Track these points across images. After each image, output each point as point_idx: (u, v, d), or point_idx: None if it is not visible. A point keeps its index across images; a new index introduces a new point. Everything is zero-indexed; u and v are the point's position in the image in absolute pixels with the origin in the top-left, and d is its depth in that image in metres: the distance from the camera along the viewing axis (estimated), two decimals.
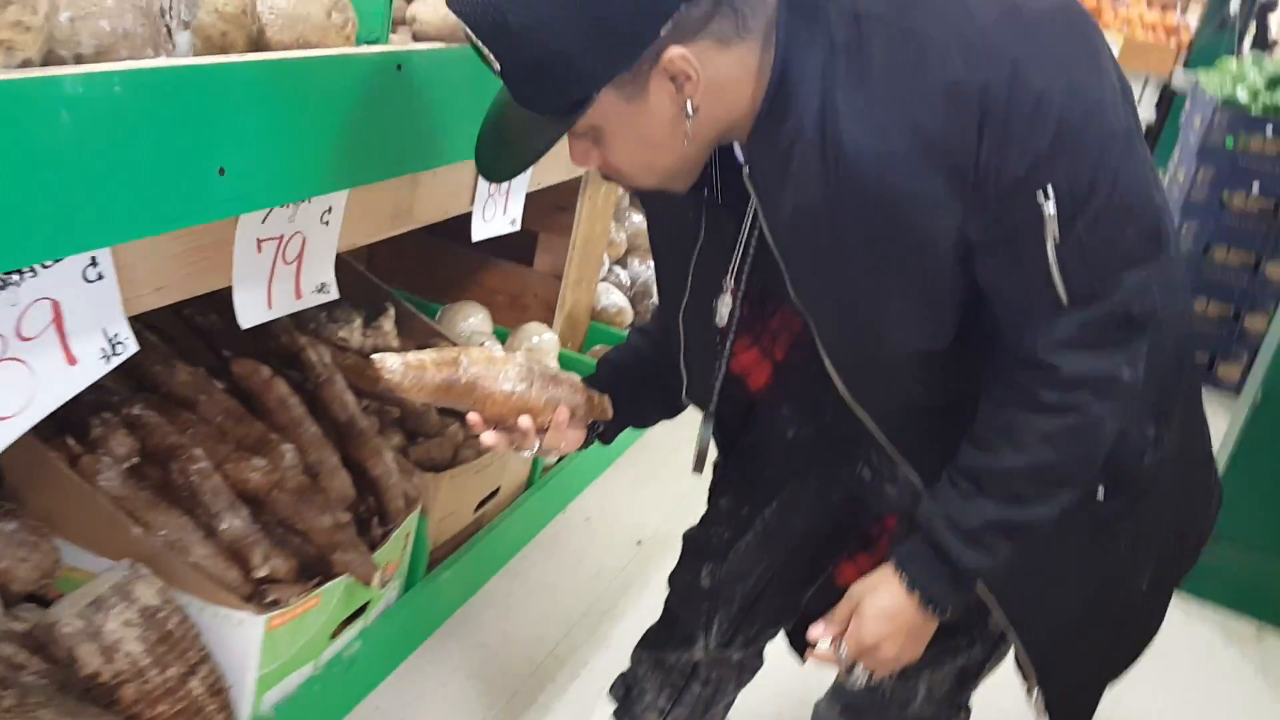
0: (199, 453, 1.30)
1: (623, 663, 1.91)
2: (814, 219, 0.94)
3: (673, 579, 1.42)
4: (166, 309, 1.49)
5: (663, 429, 2.64)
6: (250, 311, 1.17)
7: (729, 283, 1.12)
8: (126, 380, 1.38)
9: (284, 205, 1.13)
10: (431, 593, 1.62)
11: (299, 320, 1.66)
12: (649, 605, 2.09)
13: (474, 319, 2.07)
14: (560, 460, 2.04)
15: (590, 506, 2.31)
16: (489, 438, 1.07)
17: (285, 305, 1.22)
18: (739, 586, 1.34)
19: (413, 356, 1.00)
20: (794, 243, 0.99)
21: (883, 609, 1.04)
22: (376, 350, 1.75)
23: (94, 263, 0.94)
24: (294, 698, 1.34)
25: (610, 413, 1.19)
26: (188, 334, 1.52)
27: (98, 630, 1.12)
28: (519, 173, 0.95)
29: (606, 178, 1.01)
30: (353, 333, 1.76)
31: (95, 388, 1.35)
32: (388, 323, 1.82)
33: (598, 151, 0.96)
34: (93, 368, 0.98)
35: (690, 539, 1.38)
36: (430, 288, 2.18)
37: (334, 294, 1.28)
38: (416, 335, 1.85)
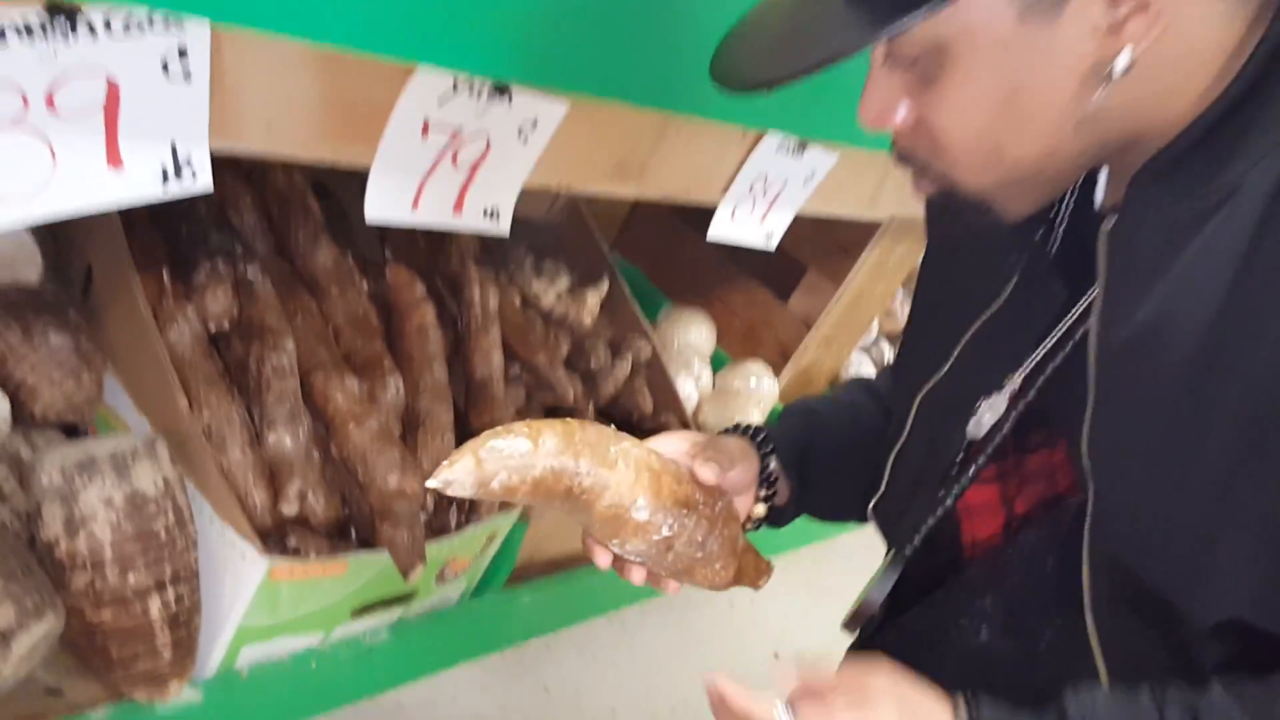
0: (289, 345, 1.08)
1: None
2: (1186, 345, 0.58)
3: None
4: (344, 175, 1.29)
5: (857, 538, 2.24)
6: (385, 204, 0.93)
7: (1013, 382, 0.76)
8: (265, 239, 1.19)
9: (472, 84, 0.87)
10: (500, 610, 1.34)
11: (493, 255, 1.43)
12: None
13: (696, 334, 1.78)
14: None
15: (738, 593, 1.97)
16: (602, 560, 0.83)
17: (437, 215, 0.97)
18: None
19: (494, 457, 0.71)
20: (1130, 366, 0.63)
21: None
22: (565, 318, 1.49)
23: (183, 53, 0.72)
24: (280, 666, 1.10)
25: (764, 582, 0.89)
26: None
27: (73, 496, 0.92)
28: (784, 79, 0.59)
29: (902, 159, 0.68)
30: (549, 292, 1.51)
31: (222, 231, 1.17)
32: (594, 297, 1.56)
33: (915, 103, 0.62)
34: (142, 183, 0.76)
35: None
36: (661, 281, 1.90)
37: (504, 227, 1.02)
38: (616, 324, 1.58)
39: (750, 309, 1.88)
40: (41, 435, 1.05)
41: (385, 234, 1.32)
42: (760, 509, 0.90)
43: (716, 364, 1.79)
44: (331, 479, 1.08)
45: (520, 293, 1.47)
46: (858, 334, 1.92)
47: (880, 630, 0.98)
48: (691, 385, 1.67)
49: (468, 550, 1.22)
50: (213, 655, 1.04)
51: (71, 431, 1.09)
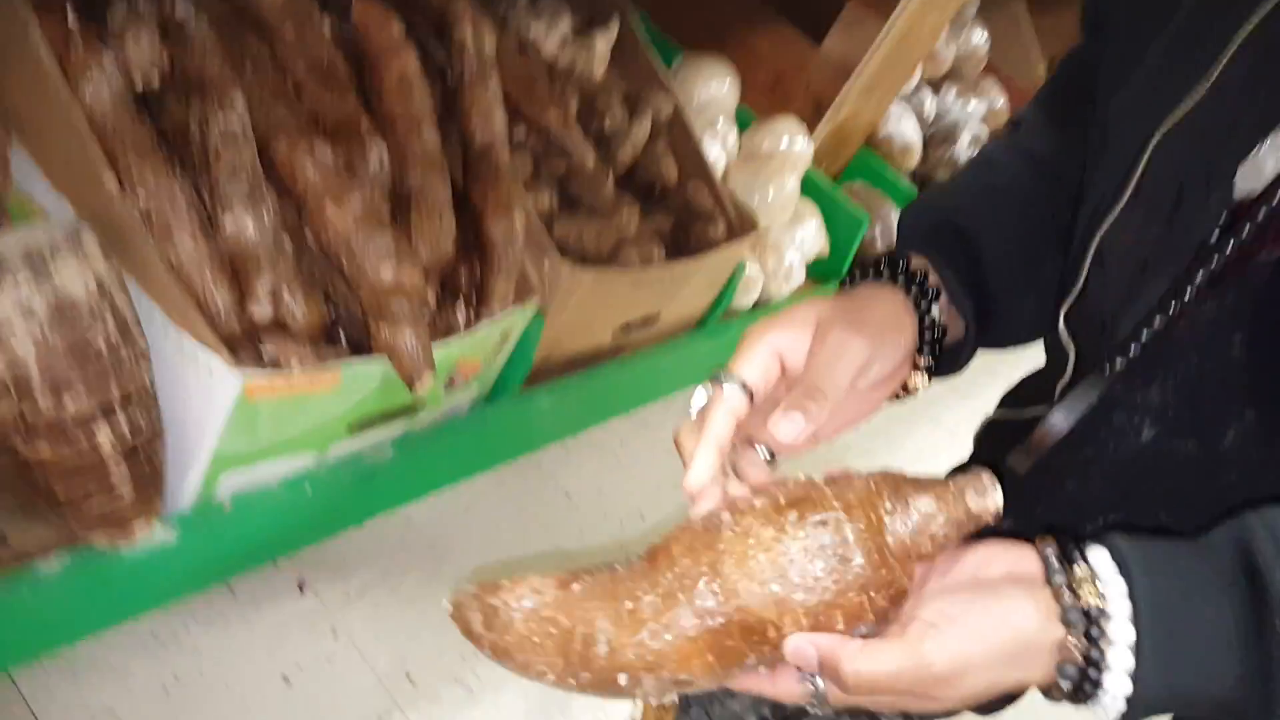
0: (239, 103, 0.84)
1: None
2: None
3: None
4: None
5: None
6: None
7: None
8: None
9: None
10: (518, 416, 1.17)
11: None
12: None
13: (716, 86, 1.52)
14: (755, 309, 1.52)
15: None
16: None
17: None
18: None
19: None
20: None
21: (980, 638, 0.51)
22: (571, 68, 1.24)
23: None
24: (270, 495, 0.93)
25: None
26: None
27: None
28: None
29: None
30: (551, 35, 1.25)
31: None
32: (602, 42, 1.30)
33: None
34: None
35: None
36: (672, 26, 1.62)
37: None
38: (630, 76, 1.33)
39: (778, 55, 1.62)
40: None
41: None
42: (919, 380, 0.68)
43: (743, 123, 1.55)
44: (310, 272, 0.87)
45: (517, 37, 1.22)
46: (902, 80, 1.67)
47: (995, 431, 0.81)
48: (718, 148, 1.44)
49: (479, 351, 1.03)
50: (186, 488, 0.87)
51: None
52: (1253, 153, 0.55)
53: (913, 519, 0.54)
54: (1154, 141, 0.62)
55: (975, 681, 0.52)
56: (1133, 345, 0.64)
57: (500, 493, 1.37)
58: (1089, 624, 0.52)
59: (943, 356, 0.70)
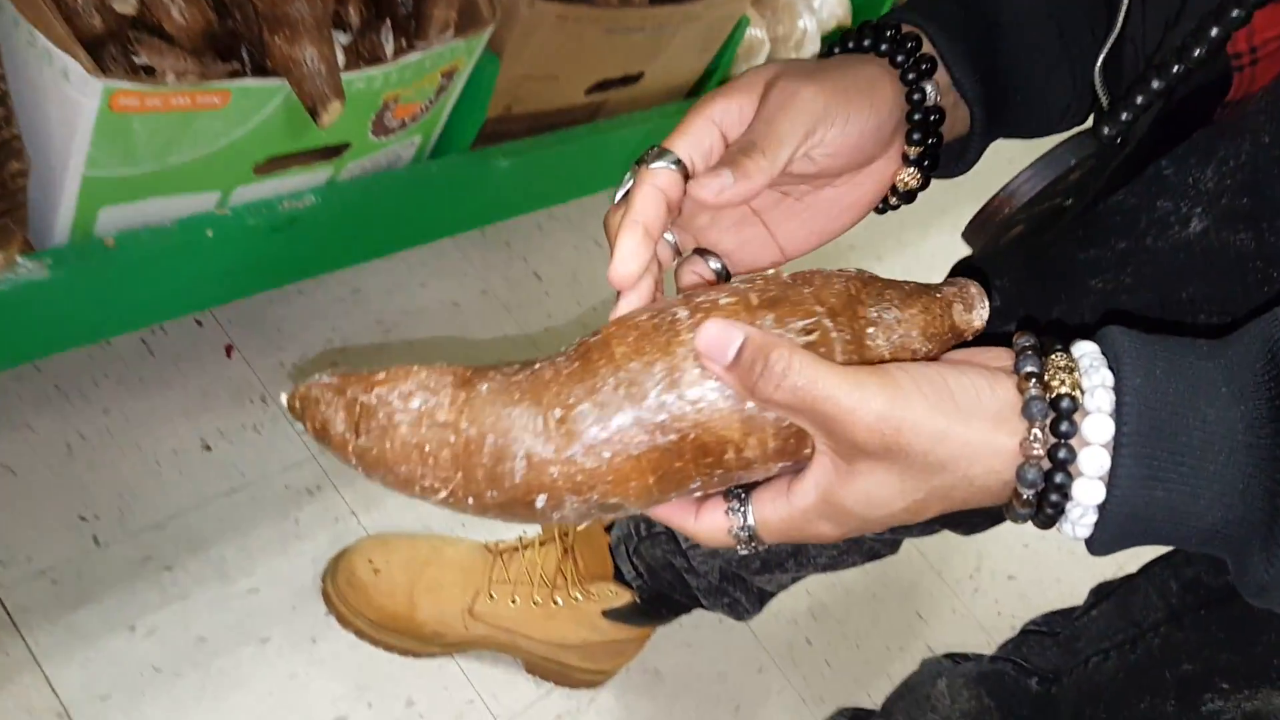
0: None
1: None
2: None
3: None
4: None
5: None
6: None
7: None
8: None
9: None
10: (471, 176, 1.04)
11: None
12: None
13: None
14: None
15: None
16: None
17: None
18: None
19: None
20: None
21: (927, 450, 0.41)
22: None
23: None
24: (162, 234, 0.82)
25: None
26: None
27: None
28: None
29: None
30: None
31: None
32: None
33: None
34: None
35: None
36: None
37: None
38: None
39: None
40: None
41: None
42: (909, 176, 0.54)
43: None
44: None
45: None
46: None
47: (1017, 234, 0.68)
48: None
49: (416, 90, 0.89)
50: (59, 219, 0.76)
51: None
52: None
53: (895, 331, 0.45)
54: None
55: (912, 482, 0.42)
56: (1153, 83, 0.51)
57: (463, 269, 1.27)
58: (1058, 418, 0.41)
59: (944, 150, 0.56)
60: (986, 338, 0.48)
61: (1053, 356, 0.42)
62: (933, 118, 0.54)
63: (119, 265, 0.80)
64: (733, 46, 1.21)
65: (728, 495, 0.47)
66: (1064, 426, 0.40)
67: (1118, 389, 0.40)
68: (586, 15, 0.98)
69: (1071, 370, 0.41)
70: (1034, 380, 0.41)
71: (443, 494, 0.44)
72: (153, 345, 1.01)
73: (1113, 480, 0.39)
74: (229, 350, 1.05)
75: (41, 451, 0.92)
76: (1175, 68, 0.54)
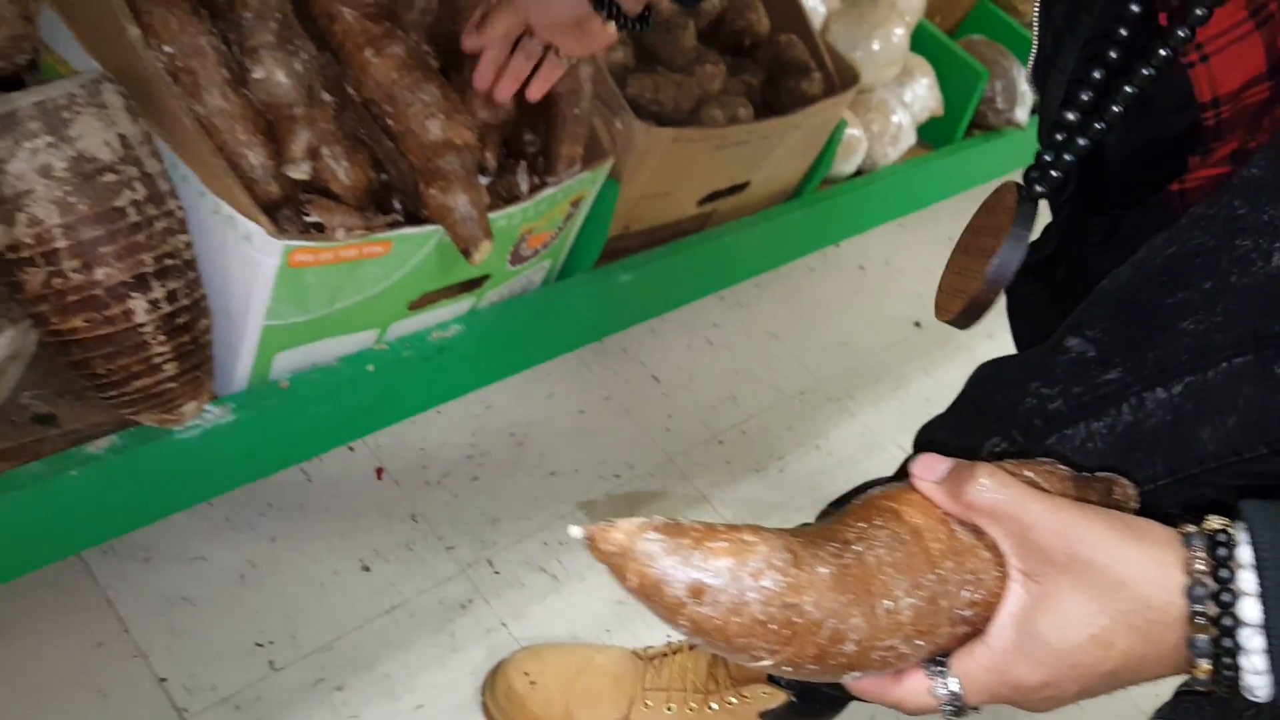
0: None
1: (826, 474, 1.37)
2: None
3: (923, 435, 0.80)
4: None
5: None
6: None
7: None
8: None
9: None
10: (596, 293, 1.09)
11: None
12: (895, 416, 1.52)
13: None
14: (857, 177, 1.39)
15: (869, 252, 1.68)
16: None
17: None
18: None
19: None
20: None
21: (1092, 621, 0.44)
22: None
23: None
24: (330, 372, 0.88)
25: None
26: None
27: None
28: None
29: None
30: None
31: None
32: None
33: None
34: None
35: (985, 379, 0.73)
36: None
37: None
38: None
39: None
40: None
41: None
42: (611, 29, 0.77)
43: None
44: (354, 131, 0.79)
45: None
46: None
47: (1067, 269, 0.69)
48: None
49: (548, 221, 0.95)
50: (239, 366, 0.82)
51: (11, 86, 0.82)
52: None
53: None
54: None
55: (1096, 603, 0.44)
56: (1079, 141, 0.54)
57: (584, 377, 1.31)
58: (1215, 545, 0.43)
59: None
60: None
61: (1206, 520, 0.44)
62: None
63: (292, 404, 0.86)
64: (832, 147, 1.25)
65: (926, 662, 0.48)
66: (1220, 552, 0.42)
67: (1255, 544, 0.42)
68: (698, 135, 1.03)
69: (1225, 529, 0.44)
70: (1191, 525, 0.44)
71: (766, 660, 0.45)
72: (310, 473, 1.07)
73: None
74: (379, 472, 1.11)
75: (217, 581, 0.97)
76: (1097, 125, 0.56)
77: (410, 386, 0.96)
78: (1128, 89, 0.53)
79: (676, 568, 0.42)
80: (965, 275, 0.62)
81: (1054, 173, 0.58)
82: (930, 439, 0.75)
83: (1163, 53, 0.51)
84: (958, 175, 1.58)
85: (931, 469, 0.44)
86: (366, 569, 1.04)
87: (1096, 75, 0.54)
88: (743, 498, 1.26)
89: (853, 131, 1.28)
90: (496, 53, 0.82)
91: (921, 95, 1.38)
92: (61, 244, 0.68)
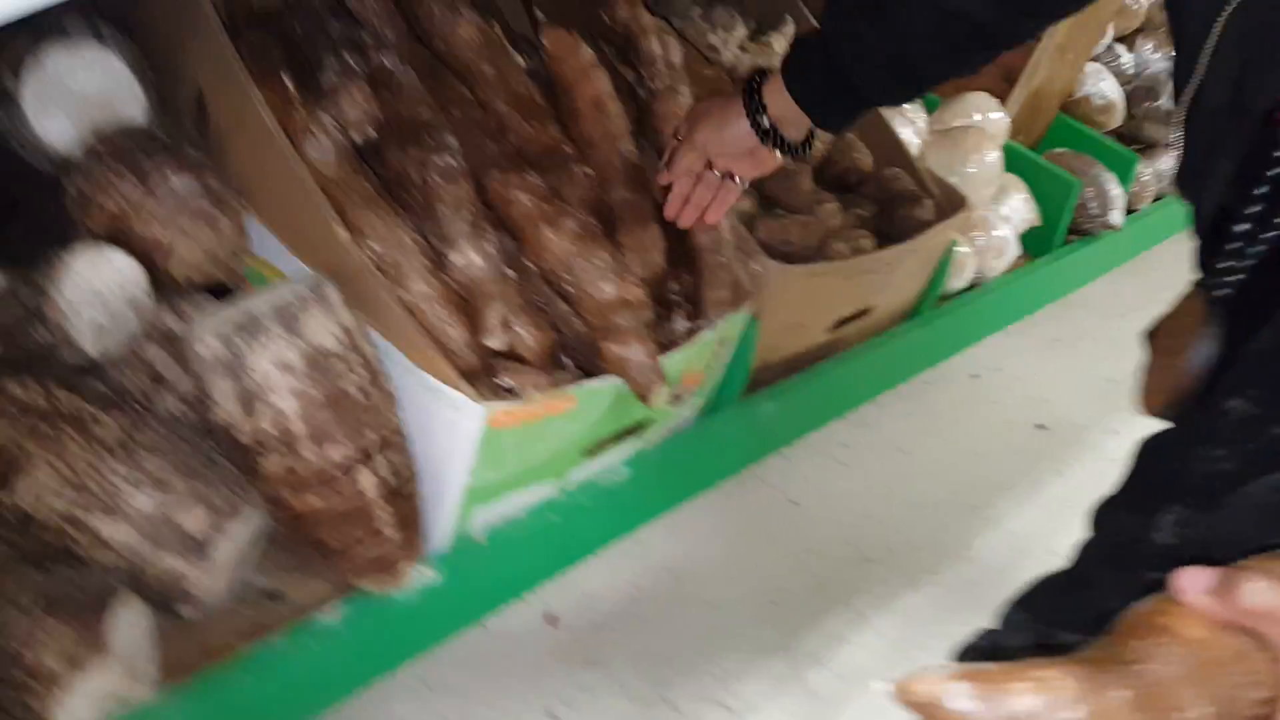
0: (452, 142, 0.86)
1: (978, 584, 1.38)
2: None
3: (1100, 516, 0.82)
4: None
5: (1111, 286, 1.95)
6: None
7: None
8: (393, 21, 0.95)
9: None
10: (742, 425, 1.14)
11: (659, 10, 1.16)
12: (1037, 519, 1.52)
13: None
14: (965, 292, 1.44)
15: (981, 360, 1.72)
16: None
17: None
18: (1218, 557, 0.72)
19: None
20: None
21: None
22: (755, 70, 1.21)
23: None
24: (519, 525, 0.93)
25: None
26: None
27: (239, 364, 0.74)
28: None
29: None
30: (728, 43, 1.23)
31: (341, 19, 0.94)
32: (779, 41, 1.27)
33: None
34: None
35: (1152, 452, 0.76)
36: None
37: None
38: None
39: None
40: (189, 302, 0.88)
41: (528, 2, 1.06)
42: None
43: (928, 105, 1.49)
44: (531, 298, 0.87)
45: (689, 42, 1.20)
46: (1094, 39, 1.57)
47: (1241, 330, 0.72)
48: (909, 131, 1.38)
49: (701, 361, 1.01)
50: (441, 526, 0.88)
51: (221, 293, 0.91)
52: None
53: None
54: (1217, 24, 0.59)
55: None
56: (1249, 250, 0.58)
57: (727, 506, 1.35)
58: None
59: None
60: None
61: None
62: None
63: (490, 558, 0.91)
64: (945, 266, 1.31)
65: None
66: None
67: None
68: (828, 269, 1.10)
69: None
70: None
71: None
72: (487, 624, 1.11)
73: None
74: (550, 619, 1.15)
75: None
76: (1267, 235, 0.59)
77: (588, 531, 1.01)
78: None
79: (990, 713, 0.45)
80: (1165, 372, 0.66)
81: (1231, 278, 0.62)
82: (1107, 517, 0.77)
83: None
84: (1060, 280, 1.63)
85: (1198, 582, 0.47)
86: (553, 716, 1.07)
87: (1259, 191, 0.59)
88: (901, 615, 1.26)
89: (963, 250, 1.34)
90: (682, 187, 0.93)
91: (1018, 209, 1.44)
92: (298, 429, 0.76)
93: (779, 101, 0.86)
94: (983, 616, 0.90)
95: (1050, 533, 1.47)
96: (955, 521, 1.44)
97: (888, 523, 1.39)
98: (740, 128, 0.88)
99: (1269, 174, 0.58)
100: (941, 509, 1.45)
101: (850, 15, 0.82)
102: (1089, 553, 0.81)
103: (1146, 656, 0.48)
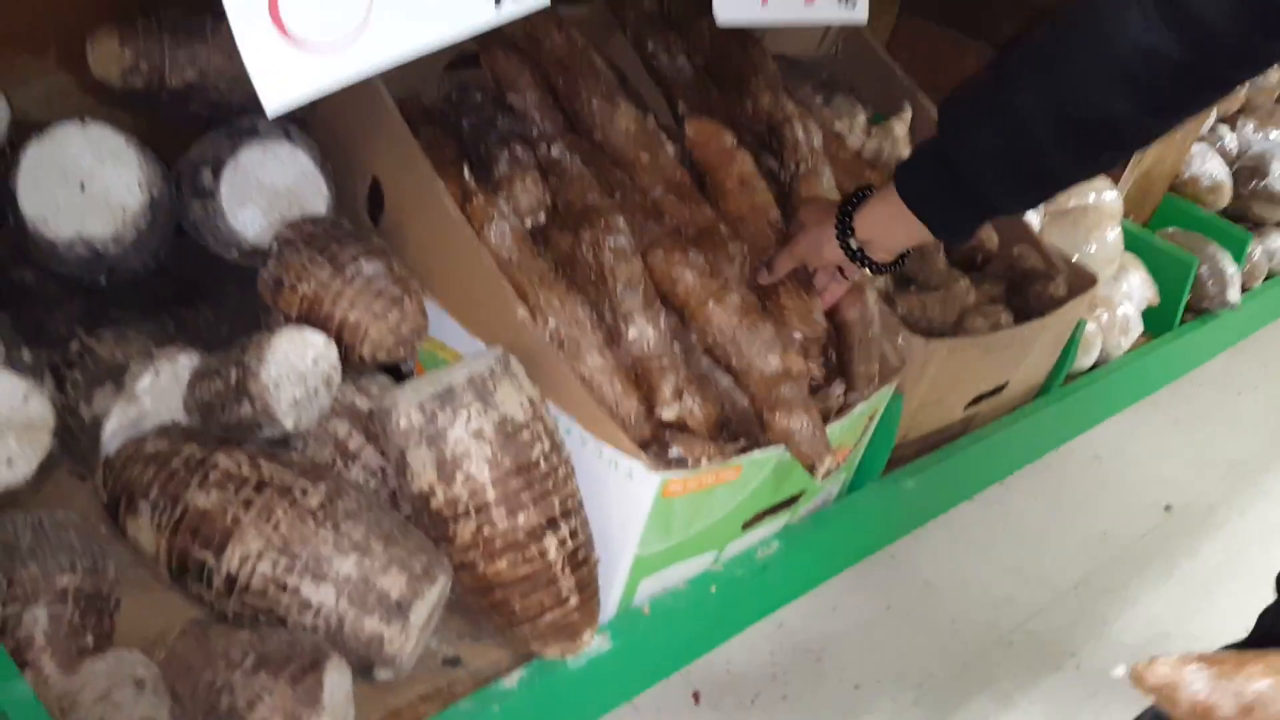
0: (620, 223, 0.90)
1: (1119, 665, 1.34)
2: None
3: (1265, 618, 0.81)
4: (626, 39, 1.11)
5: (1228, 363, 1.92)
6: (735, 3, 0.72)
7: None
8: (554, 115, 1.01)
9: None
10: (884, 500, 1.15)
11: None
12: (1173, 600, 1.49)
13: None
14: (1093, 369, 1.44)
15: (1103, 443, 1.70)
16: None
17: (788, 9, 0.76)
18: None
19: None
20: None
21: None
22: (880, 155, 1.26)
23: None
24: (681, 595, 0.94)
25: None
26: (645, 74, 1.12)
27: (439, 435, 0.78)
28: None
29: None
30: (853, 130, 1.28)
31: (507, 115, 1.00)
32: (900, 127, 1.32)
33: None
34: (473, 10, 0.59)
35: None
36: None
37: (862, 14, 0.80)
38: None
39: None
40: (372, 381, 0.92)
41: (670, 87, 1.12)
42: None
43: None
44: (704, 372, 0.90)
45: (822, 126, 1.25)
46: (1200, 121, 1.59)
47: None
48: (1028, 213, 1.40)
49: (853, 435, 1.02)
50: (612, 595, 0.90)
51: (394, 374, 0.96)
52: None
53: None
54: None
55: None
56: None
57: (862, 585, 1.34)
58: None
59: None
60: None
61: None
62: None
63: (654, 630, 0.92)
64: (1075, 343, 1.32)
65: None
66: None
67: None
68: (970, 344, 1.12)
69: None
70: None
71: None
72: (636, 701, 1.12)
73: None
74: (696, 697, 1.14)
75: None
76: None
77: (742, 605, 1.02)
78: None
79: (1225, 691, 0.47)
80: None
81: None
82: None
83: None
84: (1181, 359, 1.62)
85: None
86: None
87: None
88: (1047, 697, 1.24)
89: (1090, 327, 1.34)
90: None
91: (1139, 287, 1.45)
92: (491, 496, 0.79)
93: (869, 224, 0.89)
94: (1125, 698, 0.88)
95: (1188, 614, 1.43)
96: (1093, 604, 1.41)
97: (1027, 606, 1.37)
98: (832, 246, 0.92)
99: None
100: (1080, 591, 1.42)
101: (972, 122, 0.79)
102: (1271, 618, 0.81)
103: None
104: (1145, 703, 0.86)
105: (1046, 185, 0.83)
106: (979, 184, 0.81)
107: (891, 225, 0.87)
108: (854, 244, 0.91)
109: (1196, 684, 0.48)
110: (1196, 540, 1.57)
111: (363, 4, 0.53)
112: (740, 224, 0.99)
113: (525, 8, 0.60)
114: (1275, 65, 0.72)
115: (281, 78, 0.52)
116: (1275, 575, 0.78)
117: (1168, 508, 1.62)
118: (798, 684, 1.20)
